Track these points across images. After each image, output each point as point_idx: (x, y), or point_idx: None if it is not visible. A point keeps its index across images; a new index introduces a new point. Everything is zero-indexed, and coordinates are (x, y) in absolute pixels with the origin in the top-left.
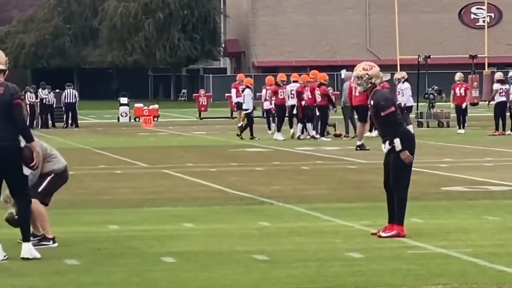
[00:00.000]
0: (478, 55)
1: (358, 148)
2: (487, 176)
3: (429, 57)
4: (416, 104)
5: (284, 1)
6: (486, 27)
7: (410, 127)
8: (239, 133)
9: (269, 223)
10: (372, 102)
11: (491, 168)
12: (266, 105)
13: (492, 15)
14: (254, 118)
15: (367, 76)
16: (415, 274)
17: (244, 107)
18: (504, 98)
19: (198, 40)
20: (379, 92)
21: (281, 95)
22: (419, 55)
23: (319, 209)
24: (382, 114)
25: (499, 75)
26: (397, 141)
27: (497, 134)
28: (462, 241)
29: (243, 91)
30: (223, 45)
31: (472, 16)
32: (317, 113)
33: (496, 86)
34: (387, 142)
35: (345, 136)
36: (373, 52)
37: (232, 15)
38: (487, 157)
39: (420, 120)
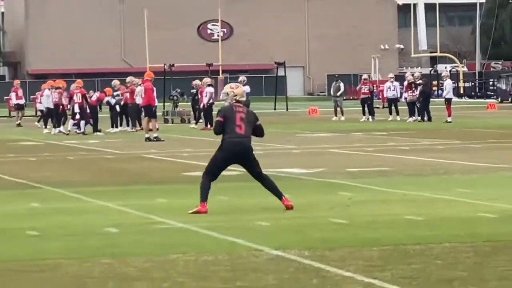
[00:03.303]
0: (214, 64)
1: (155, 139)
2: None
3: (173, 65)
4: (162, 104)
5: (52, 18)
6: (220, 40)
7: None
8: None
9: (40, 204)
10: None
11: None
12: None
13: (225, 30)
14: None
15: (232, 93)
16: (161, 244)
17: None
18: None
19: None
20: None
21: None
22: (165, 64)
23: (81, 192)
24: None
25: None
26: None
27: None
28: (199, 217)
29: None
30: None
31: (209, 31)
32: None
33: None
34: None
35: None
36: (127, 62)
37: (9, 31)
38: None
39: (166, 117)
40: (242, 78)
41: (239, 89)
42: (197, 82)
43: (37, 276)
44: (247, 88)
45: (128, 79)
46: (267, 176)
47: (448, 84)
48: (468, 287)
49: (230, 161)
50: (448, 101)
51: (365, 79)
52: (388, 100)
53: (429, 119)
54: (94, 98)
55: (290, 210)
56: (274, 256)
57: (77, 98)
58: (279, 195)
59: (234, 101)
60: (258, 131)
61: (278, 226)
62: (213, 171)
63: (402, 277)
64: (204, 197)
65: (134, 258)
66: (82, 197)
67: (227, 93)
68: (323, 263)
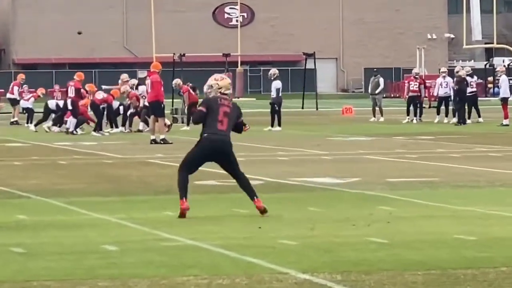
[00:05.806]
0: (231, 54)
1: (162, 142)
2: None
3: (184, 55)
4: (171, 100)
5: (43, 1)
6: (239, 26)
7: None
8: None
9: (27, 216)
10: None
11: (240, 163)
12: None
13: (245, 15)
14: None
15: (217, 85)
16: (168, 265)
17: None
18: None
19: None
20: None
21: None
22: (174, 53)
23: (75, 203)
24: None
25: None
26: None
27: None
28: (213, 233)
29: None
30: None
31: (226, 15)
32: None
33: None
34: None
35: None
36: (130, 50)
37: None
38: (239, 153)
39: (175, 116)
40: (273, 70)
41: (224, 80)
42: (177, 81)
43: None
44: (278, 84)
45: (124, 77)
46: (244, 176)
47: (503, 80)
48: None
49: (208, 159)
50: (505, 101)
51: (416, 73)
52: (439, 99)
53: (459, 121)
54: (99, 97)
55: (264, 213)
56: (301, 281)
57: (71, 92)
58: (251, 195)
59: (219, 94)
60: (238, 128)
61: (306, 245)
62: (189, 167)
63: None
64: (183, 194)
65: (136, 281)
66: (76, 209)
67: (211, 86)
68: None
